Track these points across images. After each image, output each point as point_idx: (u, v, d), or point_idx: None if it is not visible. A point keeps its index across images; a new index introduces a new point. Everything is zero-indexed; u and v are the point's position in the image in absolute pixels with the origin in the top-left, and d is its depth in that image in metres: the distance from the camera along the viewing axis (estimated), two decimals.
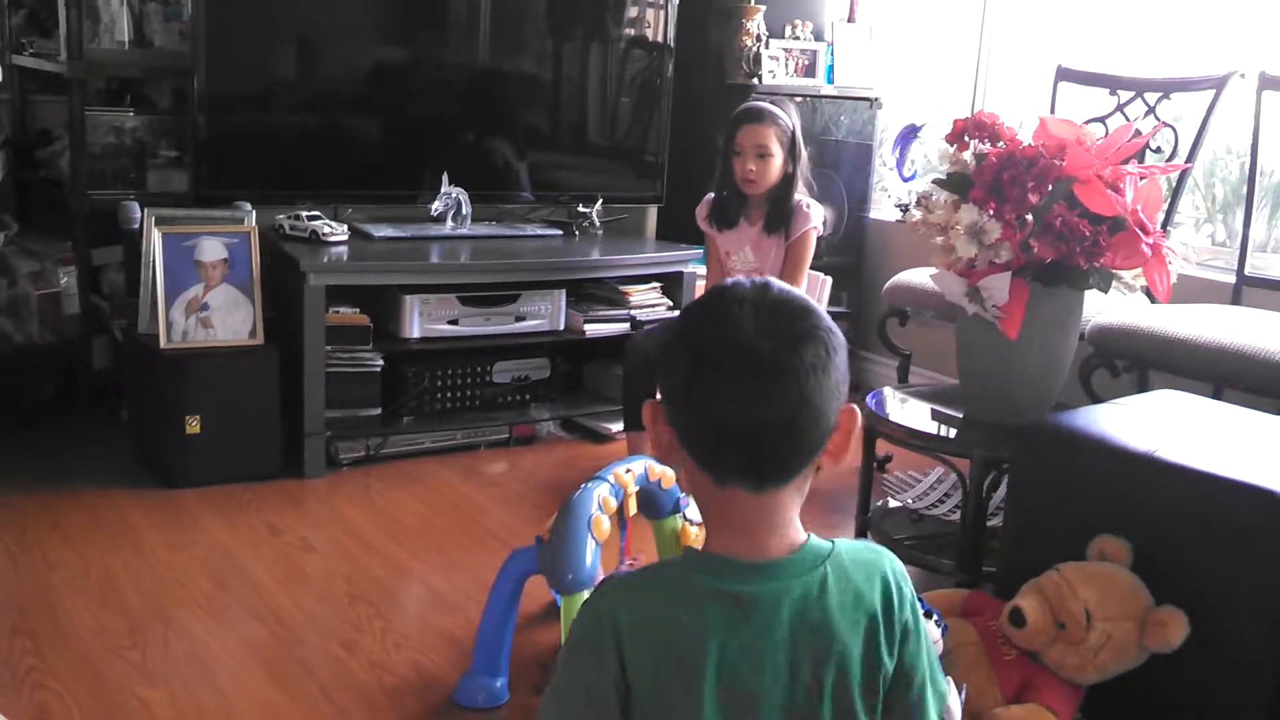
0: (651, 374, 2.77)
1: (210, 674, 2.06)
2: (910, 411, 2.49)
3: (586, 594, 1.87)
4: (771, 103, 2.99)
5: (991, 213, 2.15)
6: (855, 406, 1.10)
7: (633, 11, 3.84)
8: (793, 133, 2.91)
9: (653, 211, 3.96)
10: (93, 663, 2.07)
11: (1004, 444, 2.13)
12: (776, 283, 1.09)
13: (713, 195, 3.01)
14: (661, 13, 3.80)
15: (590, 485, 2.05)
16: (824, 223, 3.00)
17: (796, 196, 2.93)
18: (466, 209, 3.40)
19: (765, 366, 1.02)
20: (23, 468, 2.90)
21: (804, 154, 2.95)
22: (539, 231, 3.57)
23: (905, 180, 3.49)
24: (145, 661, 2.08)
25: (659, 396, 1.11)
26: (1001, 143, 2.22)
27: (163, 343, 2.84)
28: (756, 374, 1.02)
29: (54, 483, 2.83)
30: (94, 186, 3.23)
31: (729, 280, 1.11)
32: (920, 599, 1.84)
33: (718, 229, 3.01)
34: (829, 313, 1.10)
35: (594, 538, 1.95)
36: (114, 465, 2.99)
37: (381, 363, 3.09)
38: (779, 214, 2.93)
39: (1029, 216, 2.14)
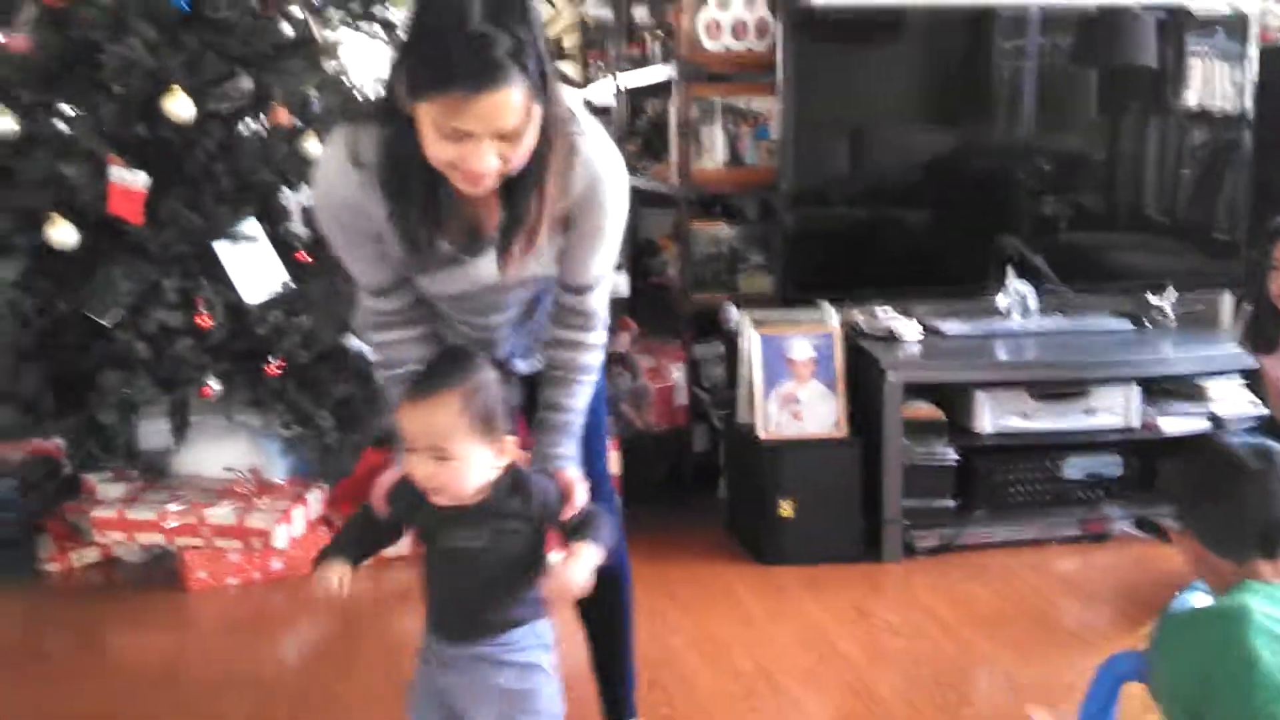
0: None
1: None
2: None
3: None
4: None
5: None
6: None
7: (1197, 81, 3.73)
8: None
9: (1229, 298, 3.79)
10: (717, 719, 2.38)
11: None
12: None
13: (1249, 313, 2.81)
14: (1233, 81, 3.66)
15: (1187, 594, 2.06)
16: None
17: None
18: (1034, 302, 3.48)
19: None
20: (640, 538, 3.35)
21: None
22: (1109, 325, 3.55)
23: None
24: None
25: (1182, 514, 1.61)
26: None
27: (760, 432, 3.19)
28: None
29: (665, 553, 3.24)
30: (695, 290, 3.71)
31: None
32: None
33: (1256, 352, 2.80)
34: None
35: None
36: (713, 540, 3.38)
37: (956, 456, 3.24)
38: None
39: None
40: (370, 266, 1.74)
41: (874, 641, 2.73)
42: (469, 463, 1.62)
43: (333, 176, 1.66)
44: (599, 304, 1.82)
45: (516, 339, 1.92)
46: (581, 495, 1.76)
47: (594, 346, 1.84)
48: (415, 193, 1.59)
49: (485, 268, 1.72)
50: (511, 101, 1.47)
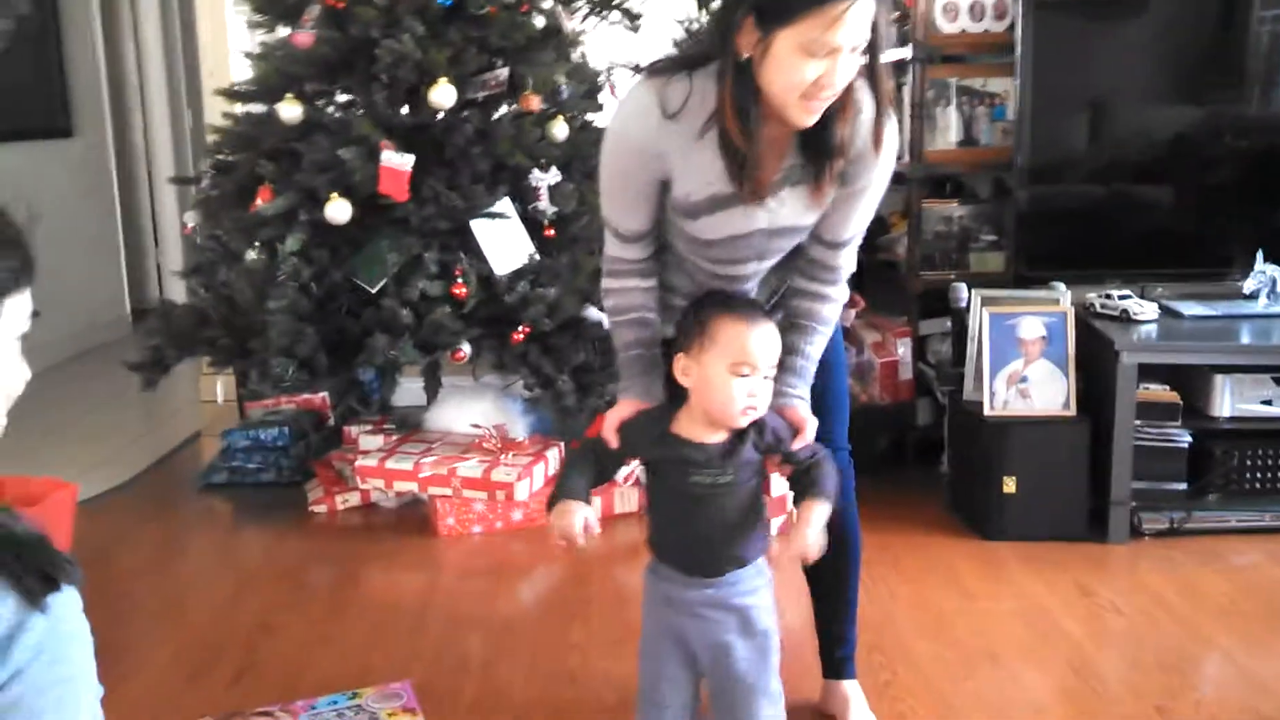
0: None
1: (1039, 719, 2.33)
2: None
3: None
4: None
5: None
6: None
7: None
8: None
9: None
10: (937, 688, 2.44)
11: None
12: None
13: None
14: None
15: None
16: None
17: None
18: None
19: None
20: (861, 508, 3.39)
21: None
22: None
23: None
24: (979, 693, 2.42)
25: None
26: None
27: (986, 410, 3.21)
28: None
29: (888, 524, 3.28)
30: (924, 268, 3.74)
31: None
32: None
33: None
34: None
35: None
36: (933, 513, 3.43)
37: (1189, 439, 3.18)
38: None
39: None
40: (632, 212, 1.88)
41: (1097, 621, 2.73)
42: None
43: (637, 120, 1.81)
44: (847, 261, 1.94)
45: (759, 294, 2.04)
46: (811, 431, 1.88)
47: (835, 300, 1.96)
48: (750, 131, 1.74)
49: (766, 211, 1.84)
50: (874, 8, 1.63)
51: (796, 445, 1.86)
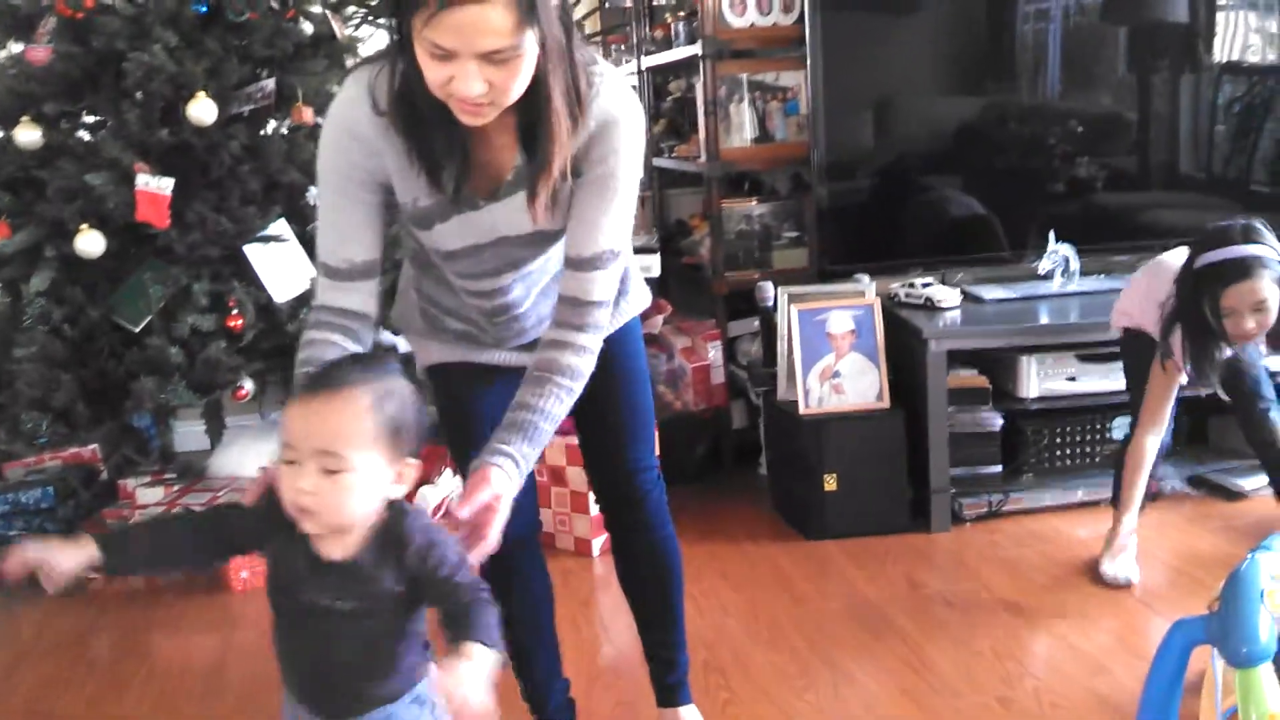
0: None
1: None
2: None
3: (1263, 669, 1.84)
4: None
5: None
6: None
7: (1229, 34, 3.65)
8: None
9: None
10: (776, 701, 2.34)
11: None
12: None
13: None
14: (1266, 32, 3.58)
15: (1259, 554, 2.00)
16: None
17: None
18: (1075, 265, 3.41)
19: None
20: (684, 519, 3.31)
21: None
22: None
23: None
24: (821, 703, 2.32)
25: None
26: None
27: (801, 408, 3.14)
28: None
29: (712, 532, 3.20)
30: (728, 268, 3.66)
31: None
32: None
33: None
34: None
35: (1269, 610, 1.90)
36: (756, 516, 3.35)
37: (1001, 422, 3.20)
38: None
39: None
40: (349, 231, 1.63)
41: (928, 614, 2.68)
42: (363, 480, 1.34)
43: (347, 109, 1.59)
44: (602, 293, 1.64)
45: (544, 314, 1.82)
46: (484, 497, 1.48)
47: (581, 349, 1.64)
48: (430, 126, 1.54)
49: (503, 216, 1.65)
50: (490, 20, 1.39)
51: (462, 508, 1.46)
